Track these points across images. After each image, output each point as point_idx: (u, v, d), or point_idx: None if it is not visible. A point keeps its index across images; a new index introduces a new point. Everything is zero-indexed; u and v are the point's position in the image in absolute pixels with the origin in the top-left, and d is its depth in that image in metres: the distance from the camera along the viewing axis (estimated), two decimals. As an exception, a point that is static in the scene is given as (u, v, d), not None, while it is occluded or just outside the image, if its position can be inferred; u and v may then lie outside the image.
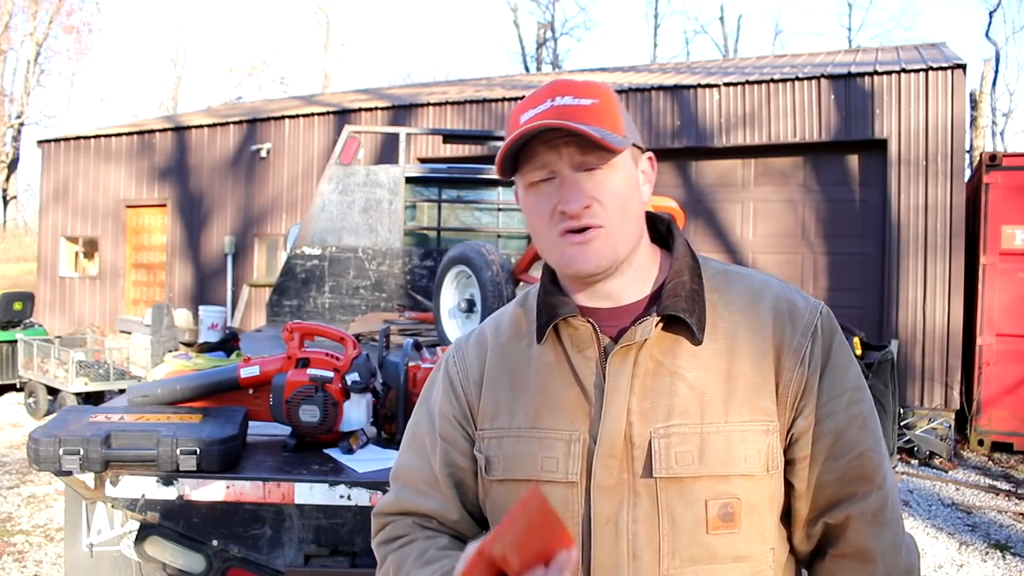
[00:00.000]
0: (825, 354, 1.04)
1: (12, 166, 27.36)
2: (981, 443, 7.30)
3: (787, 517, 1.05)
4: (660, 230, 1.13)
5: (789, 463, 1.03)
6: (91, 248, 12.88)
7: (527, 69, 28.74)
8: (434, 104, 9.97)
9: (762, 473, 0.99)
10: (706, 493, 0.98)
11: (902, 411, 7.28)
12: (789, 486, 1.04)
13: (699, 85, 8.67)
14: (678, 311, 1.01)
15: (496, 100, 9.69)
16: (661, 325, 1.02)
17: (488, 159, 7.09)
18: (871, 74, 7.89)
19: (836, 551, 1.03)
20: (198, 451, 1.85)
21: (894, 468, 2.23)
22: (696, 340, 1.01)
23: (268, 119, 11.20)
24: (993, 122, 21.20)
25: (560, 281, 1.10)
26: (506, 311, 1.17)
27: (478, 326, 1.20)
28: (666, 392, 1.00)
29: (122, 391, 5.50)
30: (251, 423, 2.18)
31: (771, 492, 1.01)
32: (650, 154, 1.10)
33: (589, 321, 1.03)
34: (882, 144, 7.83)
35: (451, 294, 3.79)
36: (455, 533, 1.12)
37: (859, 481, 1.03)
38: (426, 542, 1.09)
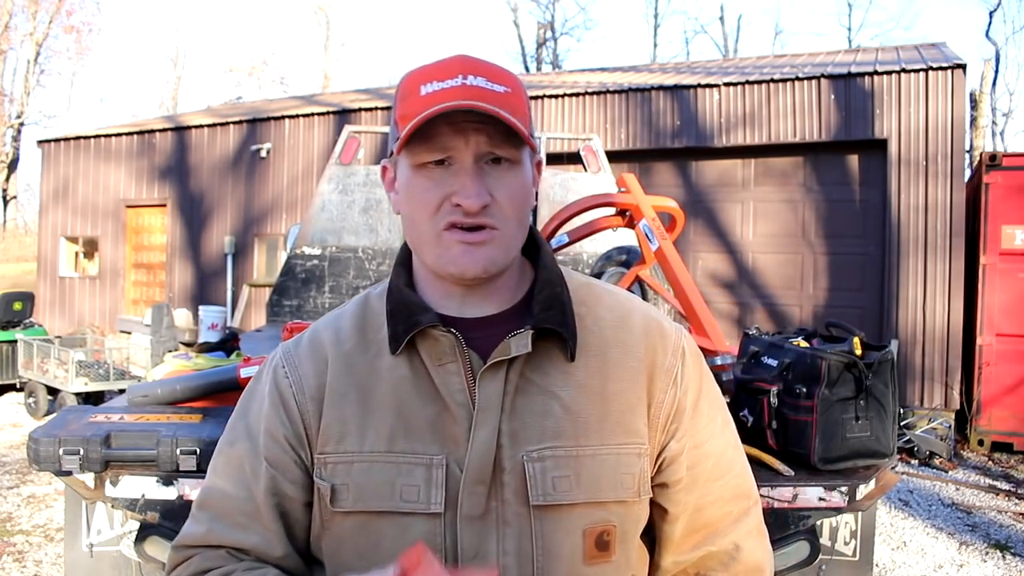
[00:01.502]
0: (698, 377, 1.01)
1: (12, 166, 27.37)
2: (981, 443, 7.30)
3: (647, 539, 1.01)
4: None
5: (661, 487, 0.98)
6: (91, 248, 12.88)
7: (527, 69, 28.74)
8: (434, 104, 9.95)
9: (634, 498, 0.94)
10: (583, 521, 0.91)
11: (902, 411, 7.28)
12: (661, 511, 0.99)
13: (699, 85, 8.67)
14: (554, 324, 0.93)
15: (496, 100, 9.67)
16: (533, 339, 0.92)
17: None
18: (871, 74, 7.89)
19: (727, 574, 1.01)
20: (198, 451, 1.85)
21: (894, 468, 2.23)
22: (569, 356, 0.94)
23: (268, 119, 11.20)
24: (993, 122, 21.21)
25: (416, 283, 0.99)
26: (344, 314, 1.02)
27: (307, 330, 1.04)
28: (538, 412, 0.92)
29: (122, 391, 5.50)
30: (251, 423, 2.18)
31: (638, 517, 0.97)
32: (540, 157, 1.00)
33: (451, 331, 0.92)
34: (882, 144, 7.83)
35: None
36: (280, 568, 0.96)
37: (739, 499, 1.02)
38: (249, 574, 0.93)
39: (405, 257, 1.02)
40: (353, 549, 0.93)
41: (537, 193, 1.01)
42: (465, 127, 0.88)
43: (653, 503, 1.00)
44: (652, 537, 1.03)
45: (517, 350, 0.91)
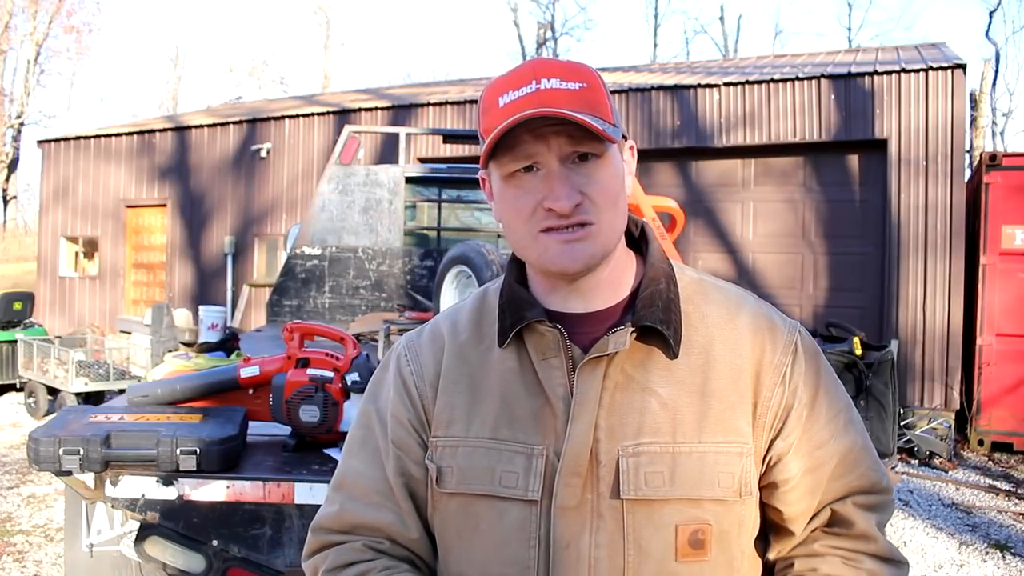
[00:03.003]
0: (813, 374, 1.00)
1: (12, 166, 27.36)
2: (981, 443, 7.30)
3: (763, 537, 1.01)
4: (633, 233, 1.05)
5: (770, 487, 0.97)
6: (91, 248, 12.88)
7: (527, 69, 28.68)
8: (434, 104, 9.97)
9: (734, 498, 0.93)
10: (676, 517, 0.91)
11: (902, 411, 7.27)
12: (775, 511, 0.99)
13: (699, 85, 8.67)
14: (654, 322, 0.94)
15: (496, 100, 9.66)
16: (635, 336, 0.94)
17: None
18: (871, 74, 7.89)
19: (830, 529, 1.01)
20: (198, 451, 1.85)
21: (894, 468, 2.23)
22: (671, 353, 0.95)
23: (268, 119, 11.20)
24: (993, 122, 21.20)
25: (528, 280, 1.03)
26: (463, 308, 1.08)
27: (429, 322, 1.10)
28: (636, 408, 0.93)
29: (122, 391, 5.50)
30: (251, 423, 2.18)
31: (741, 518, 0.95)
32: (632, 143, 1.03)
33: (556, 327, 0.95)
34: (882, 144, 7.83)
35: (451, 294, 3.79)
36: (412, 555, 1.02)
37: (863, 494, 1.01)
38: (385, 574, 0.97)
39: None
40: (454, 529, 0.98)
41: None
42: (545, 132, 0.90)
43: (765, 504, 0.99)
44: (765, 540, 1.02)
45: (615, 347, 0.93)
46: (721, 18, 35.01)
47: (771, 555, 1.02)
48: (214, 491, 1.89)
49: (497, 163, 0.94)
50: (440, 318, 1.09)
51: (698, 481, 0.92)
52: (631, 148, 1.02)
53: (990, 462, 7.06)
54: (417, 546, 1.01)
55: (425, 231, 5.26)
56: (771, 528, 1.01)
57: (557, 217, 0.91)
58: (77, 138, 12.82)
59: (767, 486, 0.98)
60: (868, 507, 1.01)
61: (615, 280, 1.00)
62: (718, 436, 0.93)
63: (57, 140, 13.00)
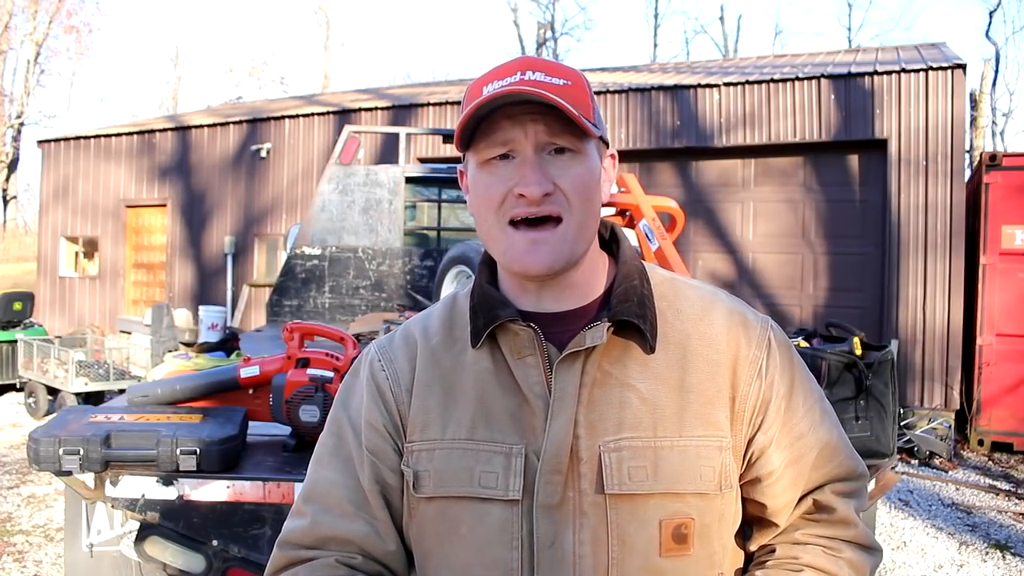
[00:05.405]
0: (788, 368, 1.00)
1: (12, 166, 27.35)
2: (981, 443, 7.30)
3: (742, 531, 1.01)
4: (603, 235, 1.04)
5: (754, 482, 0.97)
6: (91, 248, 12.87)
7: (527, 69, 28.65)
8: (434, 104, 9.97)
9: (715, 492, 0.93)
10: (660, 512, 0.91)
11: (902, 411, 7.27)
12: (759, 506, 0.99)
13: (699, 85, 8.67)
14: (631, 317, 0.93)
15: (496, 100, 9.66)
16: (611, 331, 0.94)
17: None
18: (871, 74, 7.89)
19: (811, 516, 1.02)
20: (198, 451, 1.85)
21: (894, 468, 2.22)
22: (648, 348, 0.94)
23: (268, 119, 11.20)
24: (993, 122, 21.18)
25: (499, 280, 1.02)
26: (433, 312, 1.07)
27: (400, 328, 1.09)
28: (615, 403, 0.93)
29: (122, 391, 5.50)
30: (251, 423, 2.18)
31: (721, 512, 0.95)
32: (613, 151, 1.02)
33: (530, 326, 0.94)
34: (882, 144, 7.83)
35: (451, 294, 3.78)
36: (384, 569, 0.99)
37: (842, 481, 1.03)
38: None
39: (489, 255, 1.03)
40: (434, 535, 0.96)
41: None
42: (523, 119, 0.90)
43: (748, 500, 0.99)
44: (746, 534, 1.02)
45: (592, 341, 0.92)
46: (721, 18, 35.00)
47: (752, 546, 1.02)
48: (214, 491, 1.89)
49: (474, 150, 0.94)
50: (410, 323, 1.07)
51: (680, 475, 0.92)
52: (612, 157, 1.01)
53: (990, 462, 7.06)
54: (391, 559, 0.99)
55: (425, 231, 5.27)
56: (754, 521, 1.01)
57: (526, 204, 0.90)
58: (77, 138, 12.81)
59: (751, 481, 0.98)
60: (847, 494, 1.02)
61: (588, 280, 1.00)
62: (698, 430, 0.93)
63: (57, 140, 13.00)
